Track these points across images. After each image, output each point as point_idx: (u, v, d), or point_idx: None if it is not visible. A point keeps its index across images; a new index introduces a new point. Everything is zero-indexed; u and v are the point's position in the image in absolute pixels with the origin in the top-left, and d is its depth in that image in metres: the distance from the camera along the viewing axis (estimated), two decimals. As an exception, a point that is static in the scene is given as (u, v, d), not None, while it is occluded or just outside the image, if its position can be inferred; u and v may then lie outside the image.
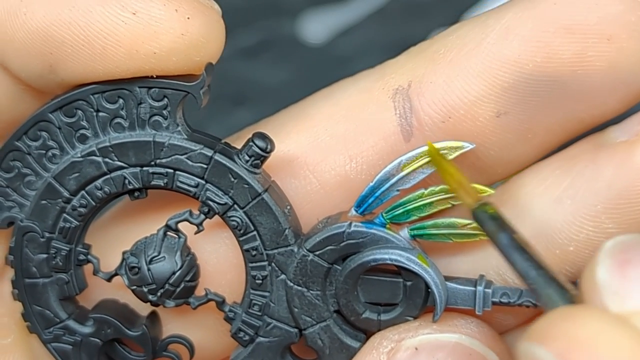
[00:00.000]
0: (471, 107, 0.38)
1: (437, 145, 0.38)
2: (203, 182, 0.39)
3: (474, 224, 0.39)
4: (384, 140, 0.40)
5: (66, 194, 0.40)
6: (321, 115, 0.41)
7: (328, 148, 0.40)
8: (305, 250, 0.39)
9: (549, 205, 0.38)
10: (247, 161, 0.39)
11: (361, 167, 0.40)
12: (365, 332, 0.40)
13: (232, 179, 0.39)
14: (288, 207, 0.40)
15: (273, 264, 0.40)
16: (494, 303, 0.38)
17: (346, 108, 0.41)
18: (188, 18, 0.37)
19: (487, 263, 0.39)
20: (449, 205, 0.39)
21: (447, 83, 0.38)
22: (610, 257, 0.31)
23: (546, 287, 0.32)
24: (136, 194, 0.40)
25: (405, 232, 0.39)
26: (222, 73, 0.91)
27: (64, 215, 0.40)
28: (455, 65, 0.38)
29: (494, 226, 0.35)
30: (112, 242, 0.42)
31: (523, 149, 0.39)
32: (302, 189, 0.41)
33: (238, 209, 0.39)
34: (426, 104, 0.39)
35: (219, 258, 0.42)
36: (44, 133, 0.39)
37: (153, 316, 0.42)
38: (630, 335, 0.28)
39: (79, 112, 0.39)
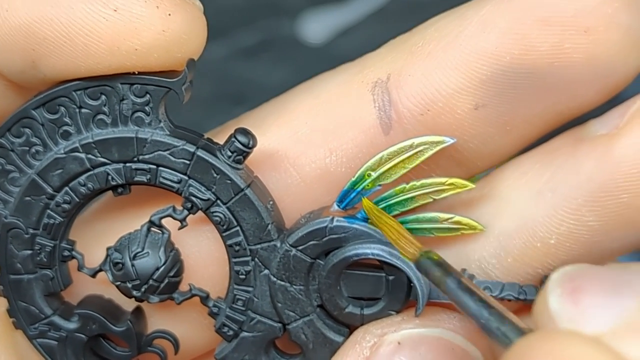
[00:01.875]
0: (449, 100, 0.38)
1: (419, 140, 0.38)
2: (186, 177, 0.39)
3: (456, 218, 0.39)
4: (363, 133, 0.40)
5: (50, 190, 0.40)
6: (301, 109, 0.41)
7: (308, 141, 0.40)
8: (288, 245, 0.39)
9: (530, 199, 0.38)
10: (230, 157, 0.39)
11: (341, 160, 0.40)
12: (349, 327, 0.40)
13: (215, 175, 0.39)
14: (271, 202, 0.40)
15: (256, 259, 0.40)
16: None
17: (326, 101, 0.41)
18: (169, 15, 0.37)
19: (469, 257, 0.39)
20: (431, 200, 0.39)
21: (426, 76, 0.38)
22: (560, 286, 0.32)
23: (500, 325, 0.32)
24: (119, 190, 0.40)
25: (387, 227, 0.39)
26: (222, 73, 0.91)
27: (48, 211, 0.40)
28: (433, 58, 0.38)
29: (440, 272, 0.35)
30: (96, 237, 0.43)
31: (502, 142, 0.39)
32: (282, 182, 0.41)
33: (221, 204, 0.39)
34: (405, 96, 0.39)
35: (201, 252, 0.42)
36: (27, 130, 0.39)
37: (138, 312, 0.43)
38: (608, 354, 0.29)
39: (62, 108, 0.39)
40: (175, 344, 0.43)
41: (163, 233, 0.40)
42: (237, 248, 0.40)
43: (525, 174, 0.39)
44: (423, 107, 0.38)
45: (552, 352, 0.29)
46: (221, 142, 0.40)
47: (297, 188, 0.41)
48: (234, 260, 0.40)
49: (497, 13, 0.37)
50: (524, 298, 0.38)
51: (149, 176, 0.39)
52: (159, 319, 0.43)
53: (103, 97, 0.39)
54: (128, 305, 0.42)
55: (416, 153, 0.38)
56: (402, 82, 0.39)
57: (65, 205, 0.40)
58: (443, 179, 0.38)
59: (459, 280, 0.34)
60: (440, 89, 0.38)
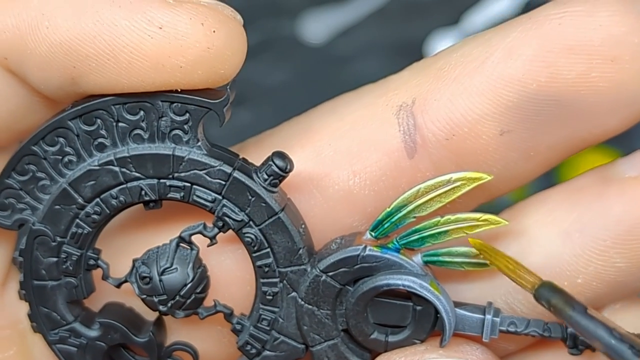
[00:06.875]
0: (475, 125, 0.38)
1: (456, 175, 0.38)
2: (220, 197, 0.39)
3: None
4: (387, 156, 0.40)
5: (80, 200, 0.40)
6: (325, 130, 0.41)
7: (332, 163, 0.41)
8: (319, 271, 0.39)
9: (558, 237, 0.39)
10: (266, 180, 0.39)
11: (364, 183, 0.40)
12: (370, 351, 0.41)
13: (250, 197, 0.39)
14: (303, 226, 0.40)
15: (285, 281, 0.40)
16: (501, 331, 0.39)
17: (350, 123, 0.41)
18: (214, 31, 0.36)
19: (494, 291, 0.40)
20: (464, 235, 0.39)
21: (451, 100, 0.39)
22: None
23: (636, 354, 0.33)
24: (151, 204, 0.40)
25: (418, 258, 0.39)
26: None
27: (77, 221, 0.40)
28: (459, 83, 0.39)
29: (562, 299, 0.35)
30: (121, 248, 0.43)
31: (525, 167, 0.40)
32: (305, 204, 0.41)
33: (253, 225, 0.39)
34: (430, 121, 0.39)
35: (225, 269, 0.42)
36: (61, 139, 0.39)
37: (159, 322, 0.43)
38: None
39: (99, 121, 0.39)
40: (195, 356, 0.43)
41: (192, 249, 0.40)
42: (266, 269, 0.40)
43: (552, 212, 0.39)
44: (448, 131, 0.39)
45: None
46: (244, 157, 0.40)
47: (319, 210, 0.41)
48: (262, 280, 0.40)
49: (524, 40, 0.38)
50: (548, 335, 0.39)
51: (182, 193, 0.39)
52: (177, 330, 0.43)
53: (142, 112, 0.38)
54: (148, 313, 0.42)
55: (453, 188, 0.38)
56: (428, 106, 0.39)
57: (95, 216, 0.40)
58: (477, 215, 0.38)
59: (585, 308, 0.35)
60: (466, 114, 0.38)
